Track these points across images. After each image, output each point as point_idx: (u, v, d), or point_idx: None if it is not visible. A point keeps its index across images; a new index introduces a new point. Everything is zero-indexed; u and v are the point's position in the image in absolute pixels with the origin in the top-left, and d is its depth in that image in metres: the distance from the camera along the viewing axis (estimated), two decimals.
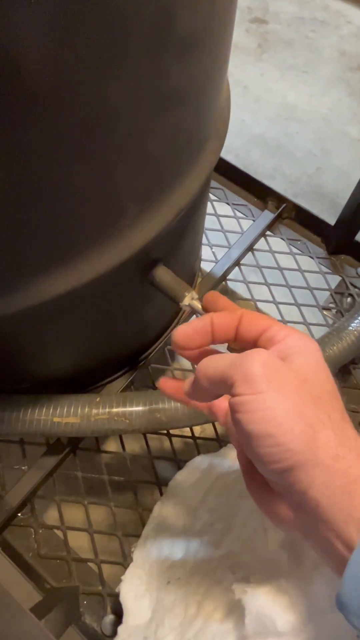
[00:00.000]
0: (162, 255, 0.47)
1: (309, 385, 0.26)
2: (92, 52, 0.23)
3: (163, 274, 0.46)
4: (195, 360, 0.33)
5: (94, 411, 0.55)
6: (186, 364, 0.70)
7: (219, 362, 0.28)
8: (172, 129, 0.31)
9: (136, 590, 0.47)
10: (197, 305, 0.46)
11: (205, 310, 0.38)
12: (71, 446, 0.61)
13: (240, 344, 0.31)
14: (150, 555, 0.51)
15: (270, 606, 0.30)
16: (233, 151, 1.24)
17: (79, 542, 0.61)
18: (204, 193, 0.49)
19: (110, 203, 0.32)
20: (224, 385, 0.27)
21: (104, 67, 0.24)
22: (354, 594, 0.23)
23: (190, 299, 0.46)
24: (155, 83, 0.27)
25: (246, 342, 0.31)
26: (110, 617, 0.53)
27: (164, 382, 0.36)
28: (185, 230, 0.49)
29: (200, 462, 0.59)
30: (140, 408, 0.56)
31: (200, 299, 0.44)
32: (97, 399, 0.56)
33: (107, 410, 0.55)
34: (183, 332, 0.32)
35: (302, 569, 0.34)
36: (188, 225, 0.49)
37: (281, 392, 0.25)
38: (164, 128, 0.30)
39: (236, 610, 0.34)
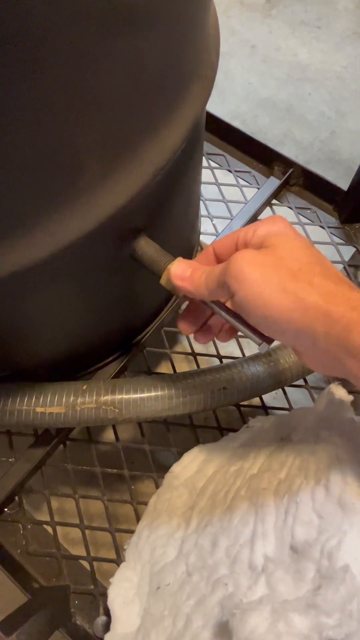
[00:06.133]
0: (144, 225, 0.41)
1: (286, 262, 0.30)
2: None
3: (145, 246, 0.41)
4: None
5: (80, 400, 0.50)
6: (185, 347, 0.65)
7: (214, 273, 0.33)
8: (128, 60, 0.25)
9: (125, 594, 0.43)
10: None
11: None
12: (61, 437, 0.57)
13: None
14: (142, 555, 0.47)
15: (261, 634, 0.25)
16: (239, 116, 1.16)
17: (70, 538, 0.58)
18: (190, 151, 0.43)
19: (59, 158, 0.27)
20: (223, 291, 0.33)
21: None
22: None
23: None
24: None
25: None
26: (102, 619, 0.49)
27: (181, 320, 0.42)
28: (170, 195, 0.43)
29: (198, 452, 0.54)
30: (131, 396, 0.51)
31: None
32: (84, 387, 0.51)
33: (94, 398, 0.51)
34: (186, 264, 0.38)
35: (301, 586, 0.29)
36: (174, 189, 0.43)
37: (265, 278, 0.29)
38: (117, 58, 0.24)
39: (226, 632, 0.30)
